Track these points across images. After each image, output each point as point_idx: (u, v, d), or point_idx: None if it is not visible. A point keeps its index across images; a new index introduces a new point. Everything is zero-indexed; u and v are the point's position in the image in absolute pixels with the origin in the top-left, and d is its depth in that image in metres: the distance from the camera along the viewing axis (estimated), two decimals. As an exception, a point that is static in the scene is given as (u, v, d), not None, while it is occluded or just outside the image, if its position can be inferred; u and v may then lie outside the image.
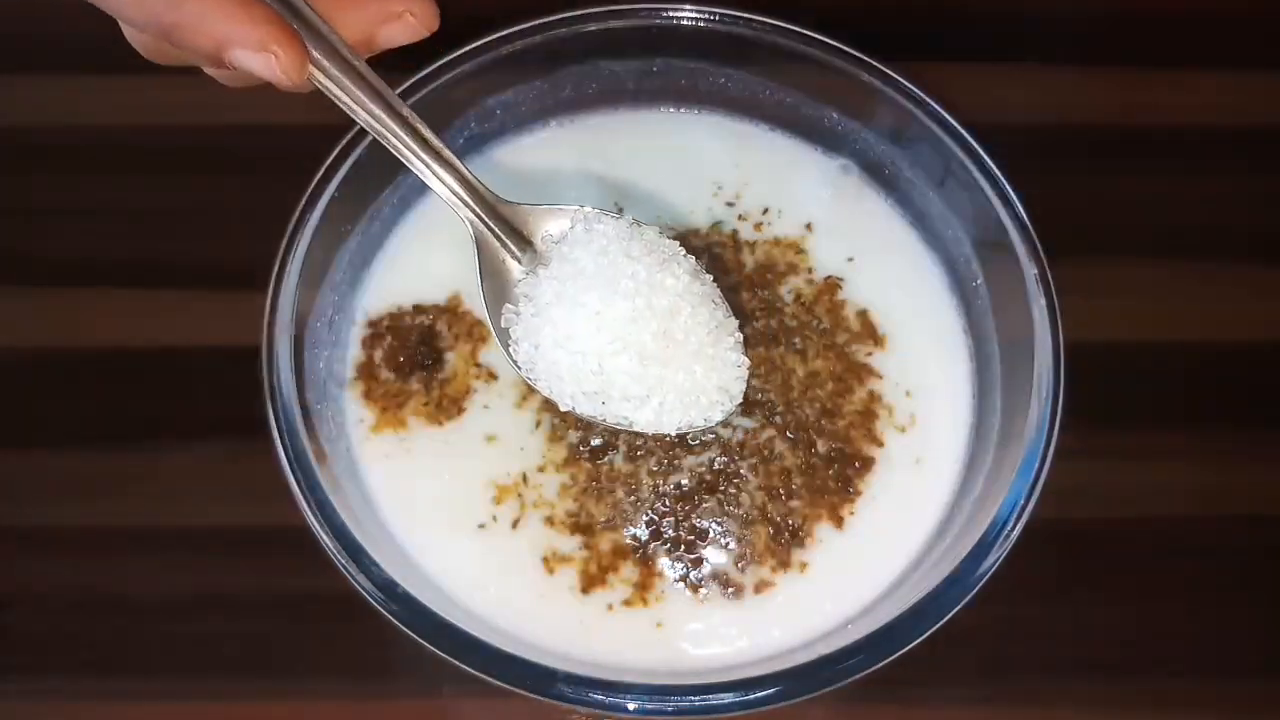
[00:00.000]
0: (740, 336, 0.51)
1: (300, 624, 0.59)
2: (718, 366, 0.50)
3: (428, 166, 0.47)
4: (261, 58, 0.37)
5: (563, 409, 0.50)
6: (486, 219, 0.49)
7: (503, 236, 0.50)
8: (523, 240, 0.50)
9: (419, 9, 0.40)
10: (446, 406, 0.56)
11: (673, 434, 0.50)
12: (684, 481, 0.55)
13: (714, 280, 0.53)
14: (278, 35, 0.37)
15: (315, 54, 0.41)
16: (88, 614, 0.60)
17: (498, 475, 0.55)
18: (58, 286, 0.68)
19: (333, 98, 0.43)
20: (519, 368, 0.51)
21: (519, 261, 0.51)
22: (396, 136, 0.45)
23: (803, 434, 0.56)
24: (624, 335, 0.47)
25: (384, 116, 0.45)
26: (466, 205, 0.48)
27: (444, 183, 0.48)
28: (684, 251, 0.51)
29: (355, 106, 0.44)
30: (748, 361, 0.51)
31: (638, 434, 0.53)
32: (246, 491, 0.60)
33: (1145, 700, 0.59)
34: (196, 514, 0.62)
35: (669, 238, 0.53)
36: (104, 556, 0.61)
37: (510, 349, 0.51)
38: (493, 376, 0.57)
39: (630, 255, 0.48)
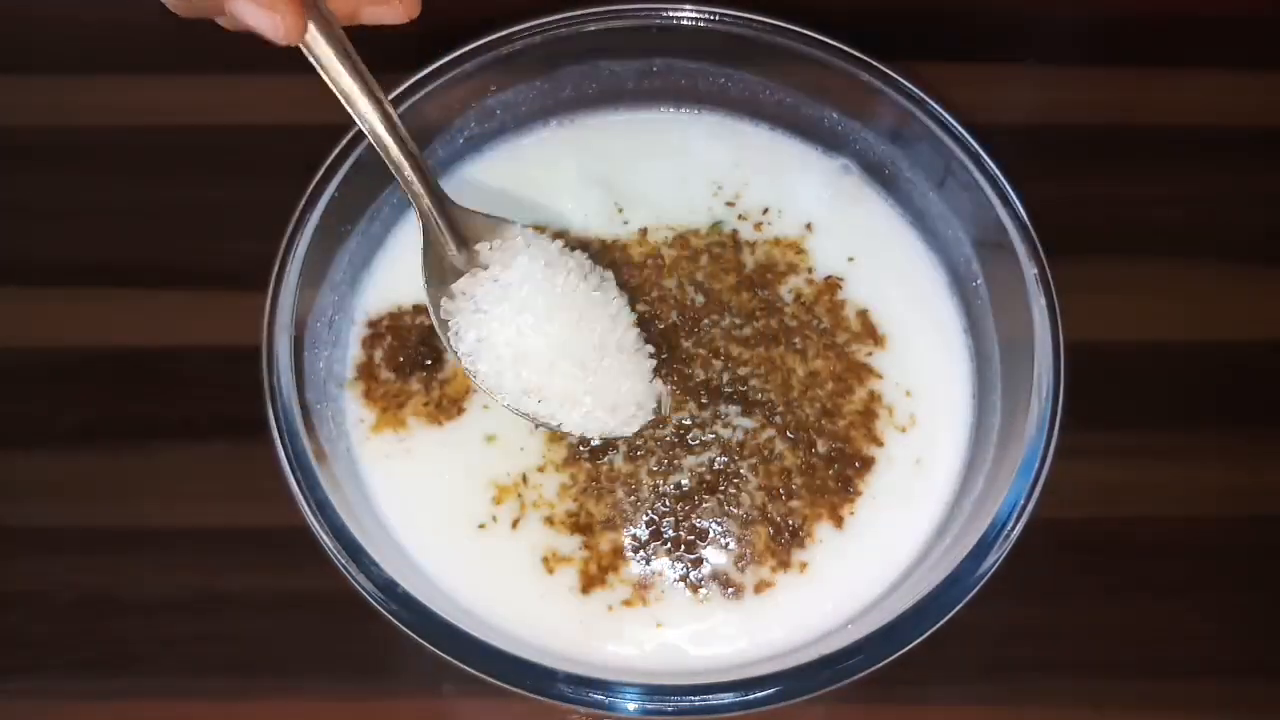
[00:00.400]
0: (653, 362, 0.55)
1: (300, 624, 0.59)
2: (639, 383, 0.53)
3: (387, 152, 0.49)
4: (267, 16, 0.40)
5: (501, 403, 0.52)
6: (435, 214, 0.51)
7: (445, 232, 0.52)
8: (463, 242, 0.53)
9: None
10: (446, 406, 0.56)
11: (594, 439, 0.54)
12: (684, 481, 0.55)
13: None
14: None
15: (310, 24, 0.43)
16: (88, 614, 0.60)
17: (498, 475, 0.55)
18: (58, 286, 0.68)
19: (316, 66, 0.45)
20: (458, 357, 0.52)
21: (456, 262, 0.53)
22: (368, 119, 0.48)
23: (803, 434, 0.56)
24: (568, 342, 0.51)
25: (364, 98, 0.47)
26: (418, 194, 0.51)
27: (401, 168, 0.50)
28: (612, 277, 0.55)
29: (335, 79, 0.46)
30: (661, 384, 0.55)
31: (637, 435, 0.54)
32: (246, 491, 0.60)
33: (1146, 700, 0.59)
34: (196, 514, 0.62)
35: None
36: (104, 556, 0.61)
37: (449, 339, 0.53)
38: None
39: (569, 269, 0.53)
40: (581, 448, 0.55)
